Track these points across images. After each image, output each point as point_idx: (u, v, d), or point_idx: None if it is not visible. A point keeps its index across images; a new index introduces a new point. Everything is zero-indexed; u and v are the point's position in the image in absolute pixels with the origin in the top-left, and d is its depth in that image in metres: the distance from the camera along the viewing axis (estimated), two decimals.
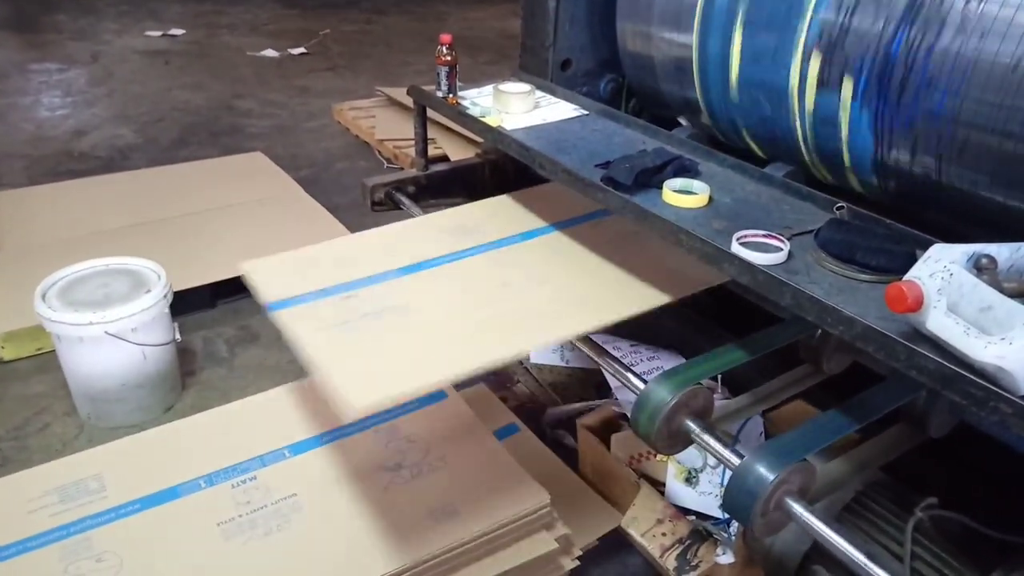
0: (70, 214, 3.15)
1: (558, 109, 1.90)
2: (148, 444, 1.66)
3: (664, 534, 1.77)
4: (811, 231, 1.30)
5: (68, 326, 2.01)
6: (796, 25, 1.51)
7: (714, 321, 2.01)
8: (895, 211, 1.41)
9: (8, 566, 1.38)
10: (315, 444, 1.65)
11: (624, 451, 1.90)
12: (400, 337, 1.34)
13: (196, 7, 7.23)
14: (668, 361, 2.10)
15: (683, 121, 1.98)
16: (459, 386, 1.85)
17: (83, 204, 3.26)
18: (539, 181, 1.92)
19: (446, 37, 1.87)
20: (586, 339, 1.42)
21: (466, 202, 1.96)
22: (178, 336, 2.27)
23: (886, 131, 1.41)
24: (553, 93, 1.99)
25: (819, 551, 1.40)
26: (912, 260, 1.03)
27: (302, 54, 5.97)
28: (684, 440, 1.26)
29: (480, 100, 1.92)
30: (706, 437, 1.22)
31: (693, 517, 1.79)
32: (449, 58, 1.86)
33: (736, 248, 1.24)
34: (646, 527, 1.79)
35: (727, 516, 1.75)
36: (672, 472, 1.82)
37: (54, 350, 2.17)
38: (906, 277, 0.99)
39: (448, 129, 3.80)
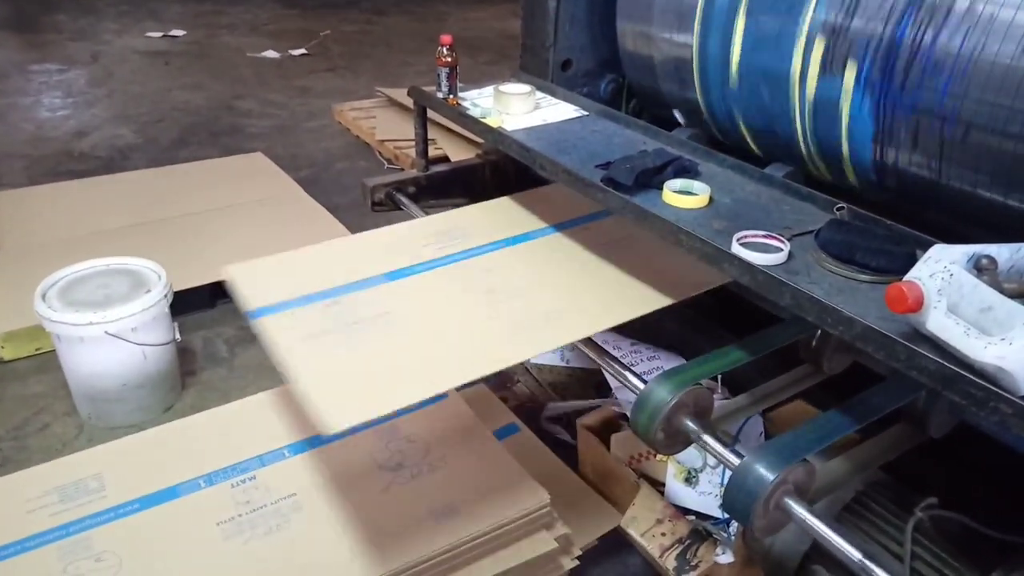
0: (70, 214, 3.15)
1: (558, 110, 1.90)
2: (148, 444, 1.66)
3: (664, 534, 1.77)
4: (811, 231, 1.30)
5: (68, 326, 2.01)
6: (801, 9, 1.50)
7: (714, 321, 2.01)
8: (894, 211, 1.41)
9: (7, 566, 1.38)
10: (315, 444, 1.65)
11: (624, 451, 1.90)
12: (380, 348, 1.32)
13: (196, 7, 7.23)
14: (668, 361, 2.10)
15: (678, 115, 1.96)
16: (459, 386, 1.86)
17: (83, 204, 3.26)
18: (540, 182, 1.92)
19: (446, 38, 1.87)
20: (586, 339, 1.42)
21: (467, 203, 1.96)
22: (178, 336, 2.27)
23: (888, 117, 1.39)
24: (553, 94, 1.99)
25: (819, 551, 1.40)
26: (912, 261, 1.03)
27: (302, 54, 5.97)
28: (684, 440, 1.27)
29: (480, 101, 1.92)
30: (706, 437, 1.22)
31: (693, 517, 1.79)
32: (450, 59, 1.86)
33: (736, 249, 1.24)
34: (646, 527, 1.79)
35: (727, 516, 1.75)
36: (672, 472, 1.82)
37: (54, 350, 2.17)
38: (906, 277, 0.99)
39: (448, 130, 3.80)
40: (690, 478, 1.81)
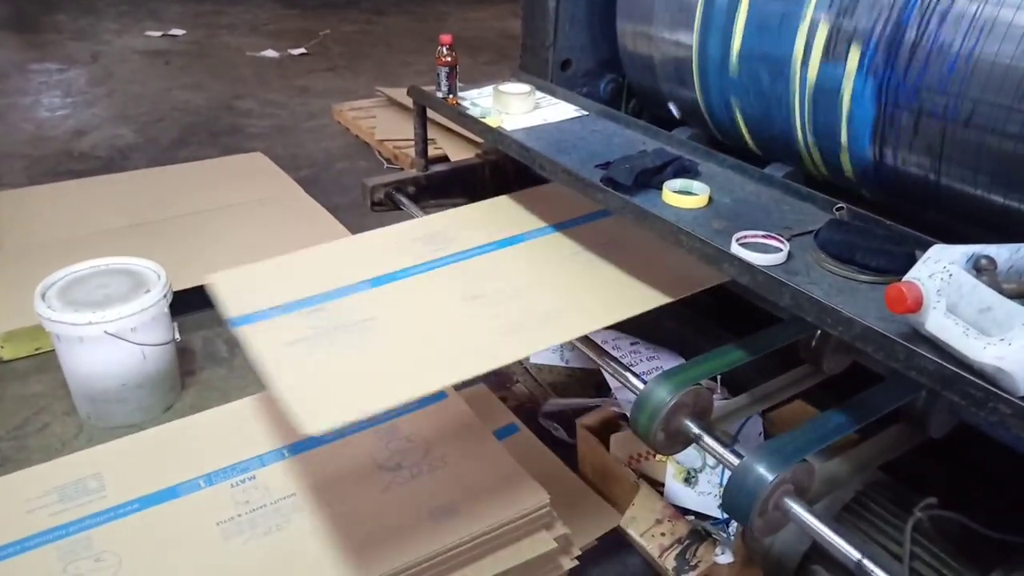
0: (70, 214, 3.15)
1: (558, 110, 1.90)
2: (147, 444, 1.66)
3: (663, 534, 1.77)
4: (811, 232, 1.30)
5: (68, 326, 2.01)
6: None
7: (714, 321, 2.01)
8: (894, 211, 1.41)
9: (7, 565, 1.38)
10: (314, 444, 1.64)
11: (623, 451, 1.90)
12: (362, 352, 1.31)
13: (196, 7, 7.23)
14: (668, 361, 2.10)
15: (673, 108, 1.95)
16: (459, 386, 1.85)
17: (83, 204, 3.26)
18: (539, 181, 1.92)
19: (446, 38, 1.87)
20: (586, 339, 1.42)
21: (466, 202, 1.96)
22: (178, 336, 2.27)
23: (890, 100, 1.38)
24: (553, 93, 1.99)
25: (818, 551, 1.40)
26: (912, 261, 1.03)
27: (302, 54, 5.97)
28: (683, 440, 1.27)
29: (480, 101, 1.92)
30: (705, 437, 1.22)
31: (692, 517, 1.79)
32: (449, 59, 1.86)
33: (736, 249, 1.25)
34: (645, 527, 1.79)
35: (726, 516, 1.75)
36: (671, 472, 1.82)
37: (53, 350, 2.17)
38: (906, 278, 0.99)
39: (448, 129, 3.80)
40: (689, 478, 1.81)
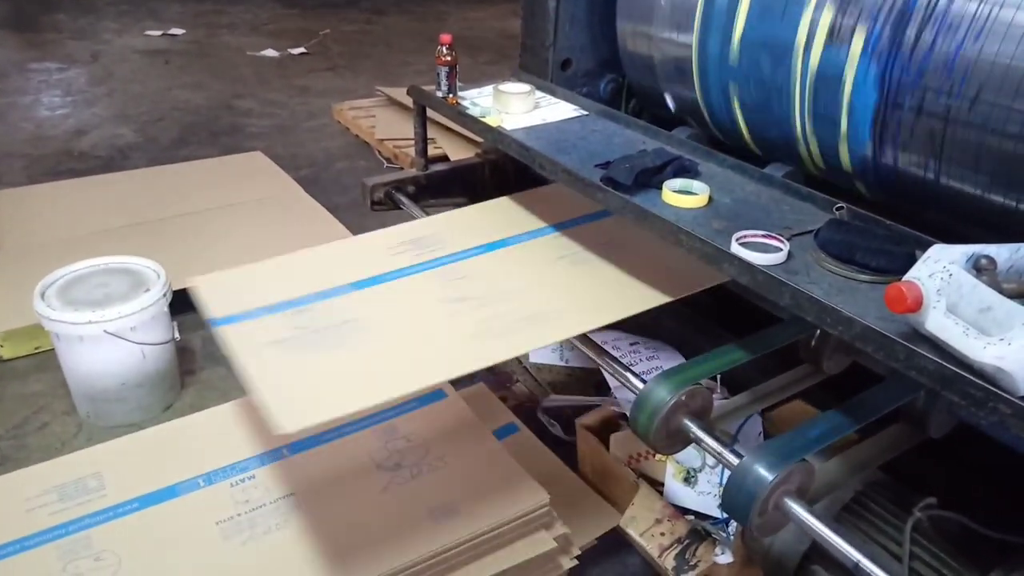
0: (70, 213, 3.15)
1: (558, 109, 1.90)
2: (147, 443, 1.66)
3: (663, 534, 1.77)
4: (811, 231, 1.30)
5: (67, 325, 2.01)
6: None
7: (714, 321, 2.01)
8: (894, 211, 1.40)
9: (7, 565, 1.38)
10: (314, 443, 1.65)
11: (623, 451, 1.90)
12: (341, 355, 1.30)
13: (196, 7, 7.23)
14: (667, 361, 2.10)
15: (669, 99, 1.94)
16: (458, 385, 1.86)
17: (83, 204, 3.26)
18: (539, 181, 1.92)
19: (446, 37, 1.87)
20: (585, 339, 1.42)
21: (466, 202, 1.96)
22: (177, 335, 2.27)
23: (894, 85, 1.37)
24: (553, 93, 1.99)
25: (818, 551, 1.40)
26: (911, 260, 1.03)
27: (302, 54, 5.97)
28: (683, 440, 1.27)
29: (480, 100, 1.92)
30: (705, 437, 1.22)
31: (692, 517, 1.79)
32: (449, 58, 1.86)
33: (736, 248, 1.25)
34: (645, 527, 1.79)
35: (726, 516, 1.75)
36: (671, 472, 1.82)
37: (53, 349, 2.17)
38: (905, 277, 0.99)
39: (448, 129, 3.80)
40: (689, 478, 1.81)
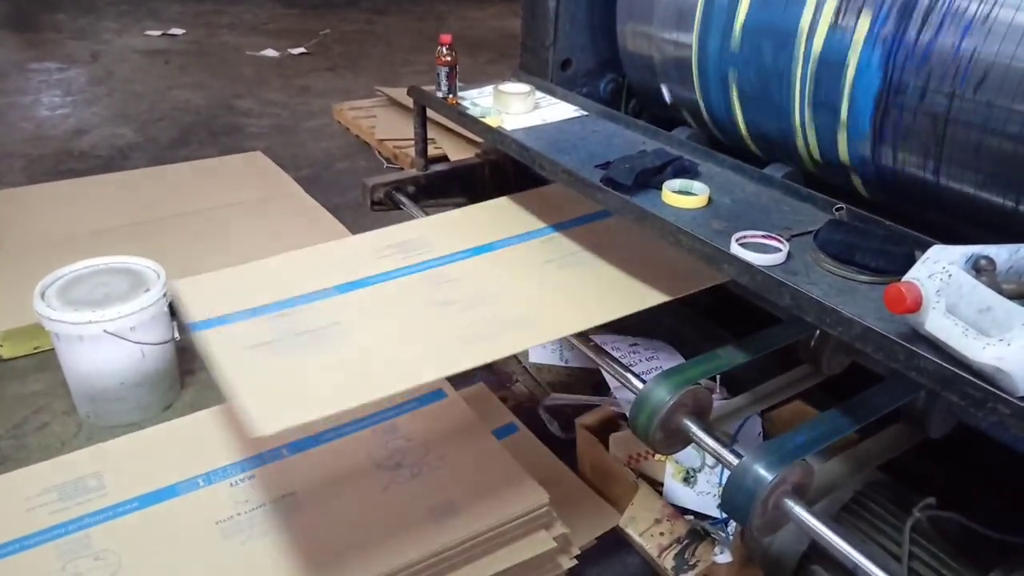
0: (69, 213, 3.15)
1: (558, 109, 1.90)
2: (147, 442, 1.66)
3: (662, 533, 1.77)
4: (810, 232, 1.30)
5: (67, 325, 2.01)
6: None
7: (714, 321, 2.01)
8: (894, 211, 1.41)
9: (7, 564, 1.38)
10: (313, 443, 1.65)
11: (623, 451, 1.90)
12: (322, 358, 1.30)
13: (196, 7, 7.23)
14: (667, 361, 2.10)
15: (665, 91, 1.93)
16: (458, 385, 1.86)
17: (83, 204, 3.26)
18: (539, 181, 1.92)
19: (446, 37, 1.87)
20: (585, 339, 1.42)
21: (466, 202, 1.96)
22: (177, 335, 2.27)
23: (898, 69, 1.36)
24: (553, 93, 1.99)
25: (817, 551, 1.40)
26: (911, 261, 1.03)
27: (302, 54, 5.97)
28: (682, 440, 1.27)
29: (480, 100, 1.92)
30: (704, 437, 1.22)
31: (691, 517, 1.79)
32: (449, 58, 1.86)
33: (735, 249, 1.25)
34: (644, 526, 1.79)
35: (725, 516, 1.75)
36: (670, 472, 1.82)
37: (52, 348, 2.17)
38: (905, 278, 1.00)
39: (448, 129, 3.80)
40: (688, 478, 1.81)
